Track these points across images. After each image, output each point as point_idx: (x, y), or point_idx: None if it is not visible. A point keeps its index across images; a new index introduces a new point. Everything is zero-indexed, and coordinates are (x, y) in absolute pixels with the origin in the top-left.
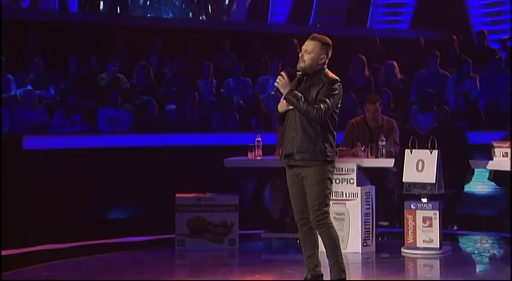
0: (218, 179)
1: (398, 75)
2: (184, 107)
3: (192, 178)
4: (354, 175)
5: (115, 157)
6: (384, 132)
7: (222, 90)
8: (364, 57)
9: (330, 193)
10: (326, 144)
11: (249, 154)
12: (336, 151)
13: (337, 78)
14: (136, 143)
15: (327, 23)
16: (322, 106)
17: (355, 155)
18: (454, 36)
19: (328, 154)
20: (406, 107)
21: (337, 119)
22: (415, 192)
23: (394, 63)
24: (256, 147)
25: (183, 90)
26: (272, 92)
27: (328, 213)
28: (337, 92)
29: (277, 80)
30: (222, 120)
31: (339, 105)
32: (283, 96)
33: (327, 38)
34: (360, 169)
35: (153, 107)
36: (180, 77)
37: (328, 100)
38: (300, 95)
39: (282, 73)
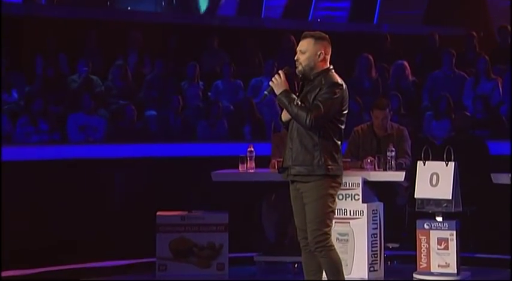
0: (205, 195)
1: (410, 77)
2: (167, 113)
3: (175, 194)
4: (360, 190)
5: (88, 170)
6: (393, 142)
7: (209, 94)
8: (371, 57)
9: (333, 212)
10: (326, 156)
11: (240, 166)
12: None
13: (339, 81)
14: (112, 154)
15: (329, 18)
16: (314, 111)
17: (360, 168)
18: (473, 33)
19: (329, 167)
20: (419, 113)
21: (341, 127)
22: (428, 210)
23: (405, 63)
24: (248, 158)
25: (165, 94)
26: (265, 92)
27: (329, 234)
28: (336, 96)
29: (272, 79)
30: (209, 128)
31: (345, 111)
32: (276, 97)
33: (321, 33)
34: (366, 184)
35: (131, 113)
36: (162, 79)
37: (321, 105)
38: (294, 97)
39: (280, 72)
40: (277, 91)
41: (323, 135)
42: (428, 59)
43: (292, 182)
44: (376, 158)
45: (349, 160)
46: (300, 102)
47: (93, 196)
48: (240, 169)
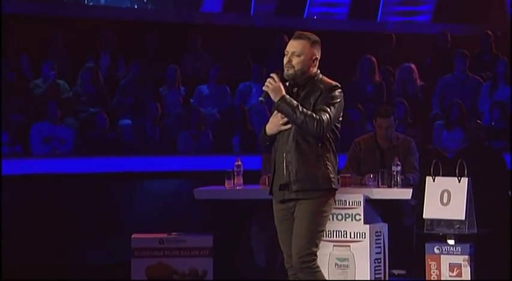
0: (187, 215)
1: (418, 82)
2: (143, 123)
3: (153, 213)
4: (361, 210)
5: (54, 187)
6: (398, 155)
7: (191, 100)
8: (374, 59)
9: (323, 232)
10: (329, 167)
11: (226, 182)
12: (338, 178)
13: (337, 84)
14: (81, 168)
15: (327, 15)
16: (323, 116)
17: (362, 184)
18: (489, 32)
19: (333, 180)
20: (428, 122)
21: (339, 136)
22: (439, 231)
23: (412, 66)
24: (235, 173)
25: (141, 100)
26: (261, 98)
27: (316, 256)
28: (338, 100)
29: (266, 84)
30: (192, 139)
31: (341, 118)
32: (274, 106)
33: (314, 35)
34: (369, 202)
35: (103, 123)
36: (138, 83)
37: (329, 110)
38: (296, 103)
39: (273, 75)
40: (275, 97)
41: (324, 145)
42: (438, 62)
43: (284, 201)
44: (380, 173)
45: (349, 175)
46: (303, 108)
47: (60, 215)
48: (226, 185)
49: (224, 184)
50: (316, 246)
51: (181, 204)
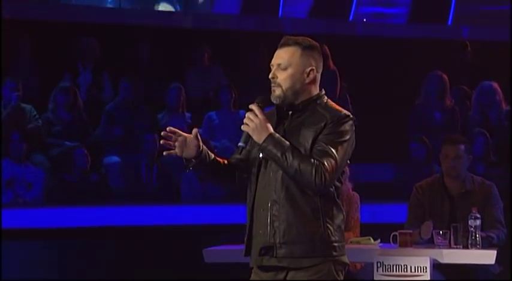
0: None
1: (503, 106)
2: (136, 161)
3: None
4: (427, 277)
5: (19, 244)
6: (476, 204)
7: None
8: (445, 76)
9: None
10: (331, 226)
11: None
12: (343, 242)
13: (348, 113)
14: (53, 222)
15: (380, 17)
16: (326, 163)
17: (421, 240)
18: None
19: (336, 244)
20: None
21: (341, 183)
22: None
23: (495, 85)
24: None
25: (133, 131)
26: (240, 143)
27: None
28: (348, 137)
29: (244, 121)
30: (199, 183)
31: (348, 161)
32: (259, 147)
33: (310, 39)
34: (437, 267)
35: (83, 161)
36: (128, 108)
37: (335, 151)
38: (287, 143)
39: (253, 107)
40: (258, 138)
41: (326, 195)
42: None
43: (268, 269)
44: (452, 228)
45: (411, 231)
46: (297, 151)
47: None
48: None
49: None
50: None
51: (185, 267)
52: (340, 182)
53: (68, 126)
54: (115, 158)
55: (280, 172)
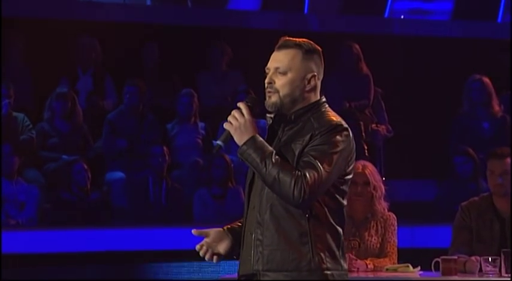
0: None
1: None
2: (143, 177)
3: None
4: None
5: (10, 272)
6: None
7: (215, 143)
8: (486, 79)
9: None
10: (322, 252)
11: None
12: (343, 270)
13: (341, 122)
14: (49, 246)
15: (420, 13)
16: (308, 175)
17: (473, 272)
18: None
19: (328, 272)
20: None
21: (343, 202)
22: None
23: None
24: None
25: (140, 143)
26: (218, 142)
27: None
28: (339, 148)
29: (228, 119)
30: (213, 202)
31: (349, 176)
32: (238, 149)
33: (311, 42)
34: None
35: (82, 177)
36: (134, 117)
37: (320, 164)
38: (270, 149)
39: (241, 105)
40: (239, 139)
41: (316, 217)
42: None
43: None
44: (502, 254)
45: (456, 257)
46: (279, 159)
47: None
48: None
49: None
50: None
51: None
52: (338, 203)
53: (66, 138)
54: (118, 174)
55: (266, 189)
